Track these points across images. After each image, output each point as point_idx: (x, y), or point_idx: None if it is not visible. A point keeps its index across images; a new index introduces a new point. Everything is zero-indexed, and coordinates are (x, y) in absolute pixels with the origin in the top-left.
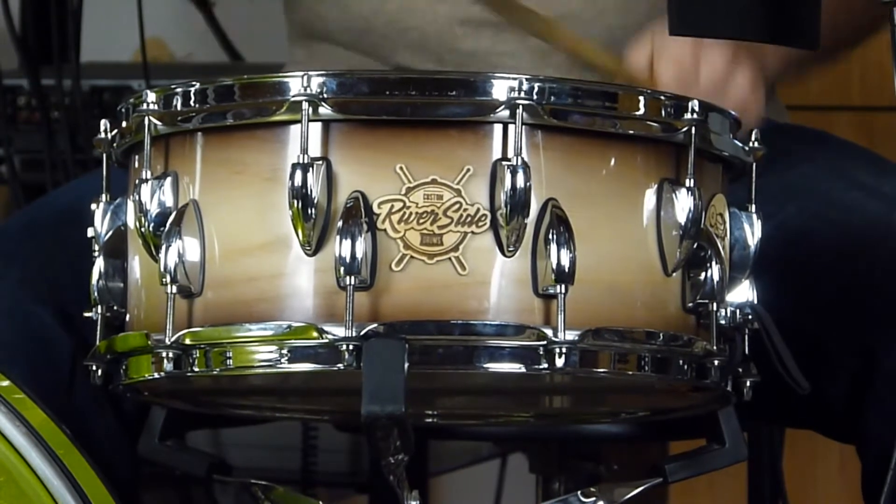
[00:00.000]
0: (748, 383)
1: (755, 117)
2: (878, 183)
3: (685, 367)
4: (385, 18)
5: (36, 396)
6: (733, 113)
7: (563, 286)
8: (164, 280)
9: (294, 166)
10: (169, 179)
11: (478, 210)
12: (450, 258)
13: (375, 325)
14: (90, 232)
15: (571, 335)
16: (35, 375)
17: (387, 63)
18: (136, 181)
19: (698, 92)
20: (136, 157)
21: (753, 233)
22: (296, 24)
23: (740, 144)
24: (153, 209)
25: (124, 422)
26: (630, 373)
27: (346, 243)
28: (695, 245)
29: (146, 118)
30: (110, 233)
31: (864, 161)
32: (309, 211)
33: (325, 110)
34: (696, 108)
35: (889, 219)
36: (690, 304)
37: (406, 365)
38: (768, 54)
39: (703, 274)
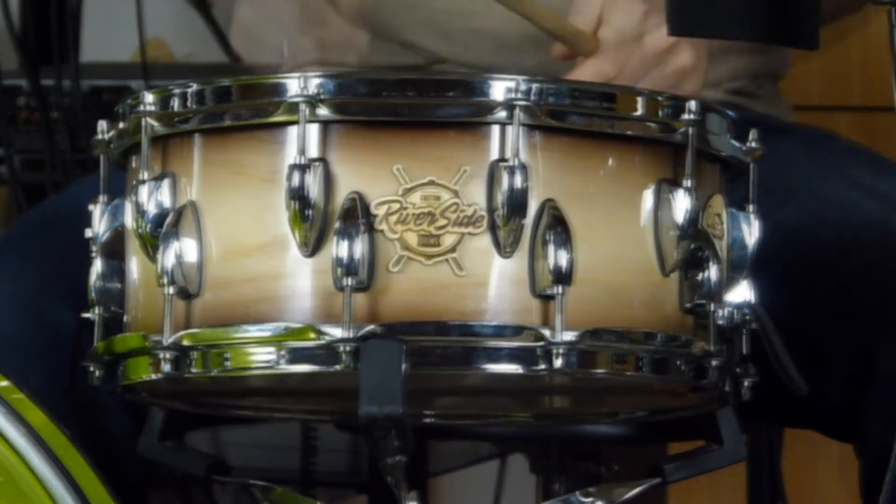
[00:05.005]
0: (747, 383)
1: (690, 90)
2: (877, 183)
3: (683, 367)
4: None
5: (52, 394)
6: (731, 113)
7: (561, 287)
8: (162, 281)
9: (292, 167)
10: (167, 180)
11: (475, 211)
12: (447, 259)
13: (373, 326)
14: (88, 233)
15: (569, 336)
16: (51, 374)
17: (394, 41)
18: (134, 182)
19: (639, 56)
20: (134, 158)
21: (752, 233)
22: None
23: (738, 144)
24: (151, 210)
25: (137, 421)
26: (628, 373)
27: (344, 244)
28: (693, 245)
29: (144, 119)
30: (108, 234)
31: (863, 161)
32: (307, 212)
33: (322, 111)
34: (694, 109)
35: (887, 218)
36: (688, 305)
37: (404, 366)
38: None
39: (700, 274)
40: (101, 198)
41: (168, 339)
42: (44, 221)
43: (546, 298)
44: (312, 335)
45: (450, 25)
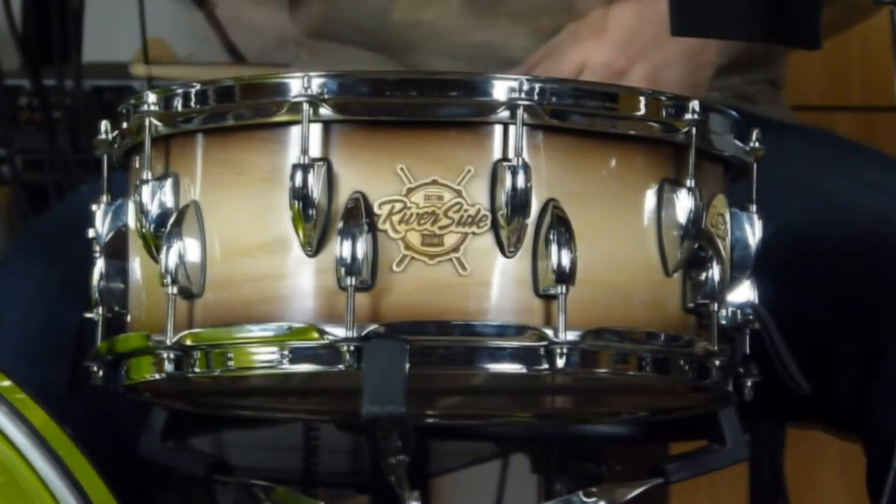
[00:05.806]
0: (749, 383)
1: None
2: (884, 181)
3: (686, 367)
4: (398, 15)
5: (71, 395)
6: (733, 113)
7: (563, 287)
8: (164, 281)
9: (294, 167)
10: (170, 180)
11: (478, 211)
12: (450, 259)
13: (376, 325)
14: (91, 233)
15: (572, 336)
16: (69, 374)
17: (397, 59)
18: (137, 182)
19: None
20: (137, 157)
21: (754, 233)
22: (303, 25)
23: (741, 144)
24: (154, 210)
25: (139, 421)
26: (630, 373)
27: (347, 244)
28: (695, 245)
29: (146, 119)
30: (111, 234)
31: (869, 159)
32: (309, 212)
33: (325, 111)
34: (697, 109)
35: (895, 217)
36: (691, 305)
37: (407, 366)
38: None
39: (703, 274)
40: (104, 198)
41: (171, 339)
42: (60, 224)
43: (548, 298)
44: (315, 335)
45: (453, 41)
